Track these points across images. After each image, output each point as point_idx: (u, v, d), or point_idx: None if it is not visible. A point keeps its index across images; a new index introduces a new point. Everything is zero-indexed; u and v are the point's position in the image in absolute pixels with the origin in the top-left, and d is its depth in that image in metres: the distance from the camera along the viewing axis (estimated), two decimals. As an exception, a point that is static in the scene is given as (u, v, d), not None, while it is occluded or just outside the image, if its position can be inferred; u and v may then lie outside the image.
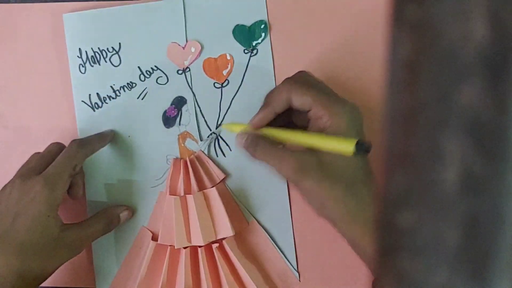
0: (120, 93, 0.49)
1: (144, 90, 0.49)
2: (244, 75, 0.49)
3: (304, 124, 0.40)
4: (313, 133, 0.37)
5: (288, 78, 0.39)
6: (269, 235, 0.48)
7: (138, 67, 0.49)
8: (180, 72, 0.49)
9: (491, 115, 0.14)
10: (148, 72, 0.49)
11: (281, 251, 0.48)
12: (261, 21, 0.48)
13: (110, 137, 0.48)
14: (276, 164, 0.37)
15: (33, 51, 0.51)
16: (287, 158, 0.36)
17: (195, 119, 0.49)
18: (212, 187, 0.47)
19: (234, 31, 0.49)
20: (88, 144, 0.45)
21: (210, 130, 0.49)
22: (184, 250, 0.46)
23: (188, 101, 0.49)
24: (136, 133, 0.49)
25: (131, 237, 0.49)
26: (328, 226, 0.39)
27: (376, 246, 0.17)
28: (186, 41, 0.49)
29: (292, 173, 0.36)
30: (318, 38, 0.48)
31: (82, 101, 0.50)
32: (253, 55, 0.49)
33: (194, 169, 0.48)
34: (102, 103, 0.49)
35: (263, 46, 0.49)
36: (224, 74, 0.49)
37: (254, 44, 0.49)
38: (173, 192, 0.48)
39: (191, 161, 0.48)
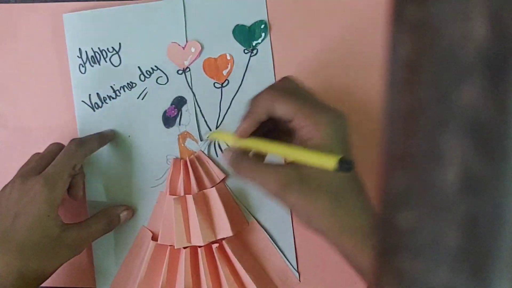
0: (120, 93, 0.49)
1: (144, 90, 0.49)
2: (244, 75, 0.49)
3: (290, 132, 0.38)
4: (295, 146, 0.36)
5: (271, 85, 0.38)
6: (269, 235, 0.48)
7: (138, 67, 0.49)
8: (180, 72, 0.49)
9: (491, 115, 0.14)
10: (148, 72, 0.49)
11: (281, 251, 0.48)
12: (261, 21, 0.48)
13: (110, 137, 0.48)
14: (259, 181, 0.36)
15: (33, 51, 0.51)
16: (269, 174, 0.35)
17: (195, 119, 0.49)
18: (212, 187, 0.47)
19: (234, 31, 0.49)
20: (87, 144, 0.45)
21: (210, 130, 0.49)
22: (184, 250, 0.46)
23: (188, 101, 0.49)
24: (136, 133, 0.49)
25: (131, 237, 0.49)
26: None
27: (376, 246, 0.17)
28: (186, 41, 0.49)
29: (275, 189, 0.35)
30: (318, 38, 0.48)
31: (82, 101, 0.50)
32: (253, 55, 0.49)
33: (194, 169, 0.48)
34: (102, 103, 0.49)
35: (263, 46, 0.49)
36: (224, 74, 0.49)
37: (254, 44, 0.49)
38: (173, 192, 0.48)
39: (191, 161, 0.48)
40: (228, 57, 0.49)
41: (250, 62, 0.49)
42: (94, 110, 0.49)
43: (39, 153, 0.46)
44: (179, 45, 0.49)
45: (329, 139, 0.34)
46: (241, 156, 0.38)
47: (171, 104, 0.49)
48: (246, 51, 0.49)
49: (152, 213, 0.49)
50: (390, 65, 0.16)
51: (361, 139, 0.47)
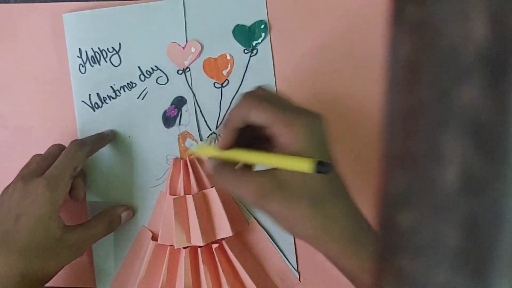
0: (120, 93, 0.49)
1: (144, 90, 0.49)
2: (244, 75, 0.49)
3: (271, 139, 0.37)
4: (272, 154, 0.35)
5: (247, 93, 0.37)
6: (269, 235, 0.48)
7: (138, 67, 0.49)
8: (180, 72, 0.49)
9: (491, 115, 0.14)
10: (148, 72, 0.49)
11: (281, 251, 0.48)
12: (261, 21, 0.48)
13: (110, 137, 0.48)
14: (237, 191, 0.35)
15: (33, 51, 0.51)
16: (247, 183, 0.34)
17: (195, 119, 0.49)
18: (212, 187, 0.47)
19: (234, 31, 0.49)
20: (88, 145, 0.45)
21: (210, 130, 0.49)
22: (184, 250, 0.46)
23: (188, 101, 0.49)
24: (136, 133, 0.49)
25: (131, 237, 0.49)
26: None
27: (376, 246, 0.17)
28: (186, 41, 0.49)
29: (254, 198, 0.34)
30: (318, 38, 0.48)
31: (82, 101, 0.50)
32: (253, 55, 0.49)
33: (194, 169, 0.48)
34: (102, 103, 0.49)
35: (263, 46, 0.49)
36: (224, 74, 0.49)
37: (254, 44, 0.49)
38: (173, 192, 0.48)
39: (191, 161, 0.48)
40: (228, 57, 0.49)
41: (250, 62, 0.49)
42: (94, 110, 0.49)
43: (39, 154, 0.46)
44: (179, 45, 0.49)
45: (307, 143, 0.34)
46: (221, 166, 0.37)
47: (171, 104, 0.49)
48: (246, 51, 0.49)
49: (152, 213, 0.49)
50: (390, 65, 0.16)
51: (361, 139, 0.47)
